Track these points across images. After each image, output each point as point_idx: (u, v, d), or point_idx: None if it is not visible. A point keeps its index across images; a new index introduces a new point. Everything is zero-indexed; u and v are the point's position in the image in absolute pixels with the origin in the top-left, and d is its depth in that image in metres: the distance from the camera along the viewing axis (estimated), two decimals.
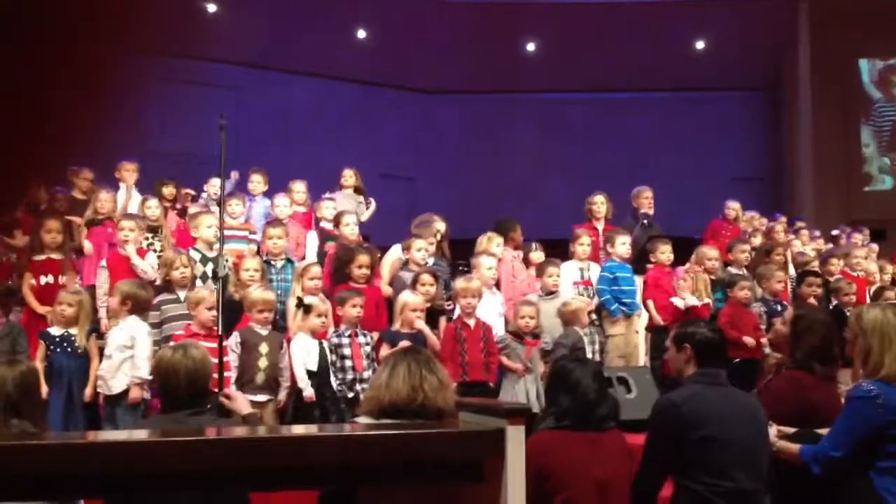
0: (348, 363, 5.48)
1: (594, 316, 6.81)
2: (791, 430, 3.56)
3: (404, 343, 5.41)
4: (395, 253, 6.79)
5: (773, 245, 8.08)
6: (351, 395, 5.35)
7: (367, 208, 8.44)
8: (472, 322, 5.85)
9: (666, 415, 3.35)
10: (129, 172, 7.94)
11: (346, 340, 5.54)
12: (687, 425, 3.27)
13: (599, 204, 7.82)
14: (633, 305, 6.87)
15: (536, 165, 13.92)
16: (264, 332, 5.37)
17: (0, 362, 3.34)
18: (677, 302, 6.79)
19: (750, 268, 7.62)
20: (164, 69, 12.04)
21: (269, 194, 8.28)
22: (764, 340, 6.46)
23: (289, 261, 6.51)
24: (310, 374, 5.34)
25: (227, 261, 5.19)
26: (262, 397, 5.21)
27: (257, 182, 8.25)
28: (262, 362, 5.25)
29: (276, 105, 12.79)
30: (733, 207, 8.97)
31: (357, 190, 8.52)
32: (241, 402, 3.54)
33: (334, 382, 5.42)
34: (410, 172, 13.51)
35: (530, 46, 14.27)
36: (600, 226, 7.73)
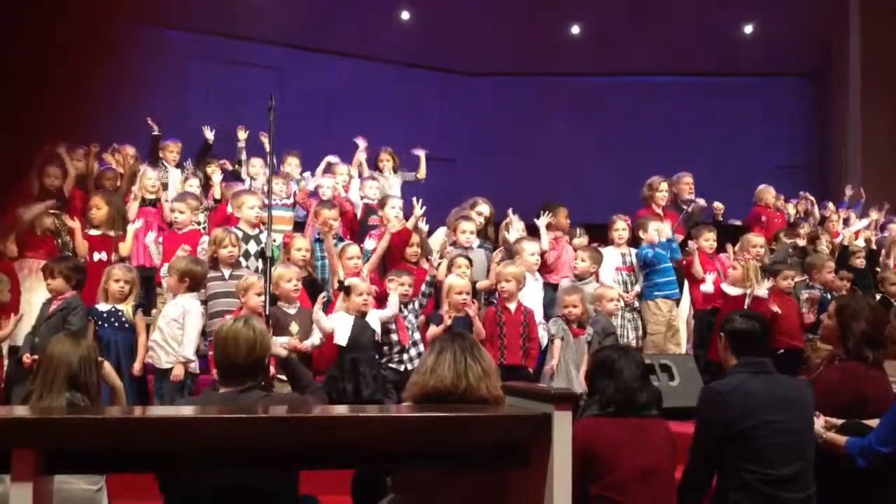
0: (394, 337, 5.59)
1: (636, 303, 6.78)
2: (839, 421, 3.53)
3: (447, 319, 5.48)
4: (440, 235, 6.82)
5: (819, 233, 7.97)
6: (402, 367, 5.47)
7: (418, 169, 8.57)
8: (512, 306, 5.84)
9: (710, 404, 3.36)
10: (171, 153, 8.00)
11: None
12: (731, 415, 3.27)
13: (665, 190, 7.76)
14: (672, 291, 6.84)
15: (577, 149, 13.82)
16: (293, 310, 5.42)
17: (65, 336, 3.46)
18: (727, 289, 6.74)
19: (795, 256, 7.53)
20: (207, 48, 12.15)
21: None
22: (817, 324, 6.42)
23: (340, 239, 6.59)
24: (339, 348, 5.34)
25: (274, 241, 5.24)
26: None
27: (293, 164, 8.27)
28: (294, 342, 5.28)
29: (317, 86, 12.82)
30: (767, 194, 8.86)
31: (396, 169, 8.54)
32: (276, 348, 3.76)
33: (391, 356, 5.54)
34: (451, 154, 13.48)
35: (573, 29, 14.14)
36: (660, 211, 7.66)
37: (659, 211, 7.61)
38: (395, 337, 5.58)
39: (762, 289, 6.54)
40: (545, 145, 13.86)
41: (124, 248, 6.32)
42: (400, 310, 5.66)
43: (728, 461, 3.28)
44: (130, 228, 6.44)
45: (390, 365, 5.56)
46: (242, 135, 8.29)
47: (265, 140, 7.68)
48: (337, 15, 12.45)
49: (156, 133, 7.88)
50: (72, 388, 3.19)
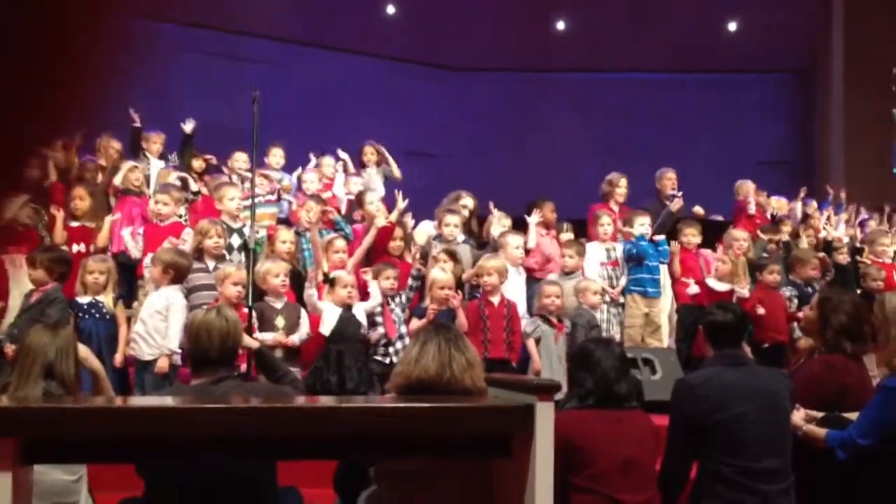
0: (381, 329, 5.60)
1: (621, 298, 6.79)
2: (819, 413, 3.54)
3: (430, 313, 5.47)
4: (425, 229, 6.82)
5: (801, 230, 8.03)
6: (387, 360, 5.45)
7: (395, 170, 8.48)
8: (495, 300, 5.83)
9: (682, 396, 3.39)
10: (154, 144, 7.91)
11: (378, 309, 5.64)
12: (702, 407, 3.28)
13: (624, 186, 7.77)
14: (652, 290, 6.86)
15: (568, 145, 13.82)
16: (279, 304, 5.39)
17: (44, 326, 3.43)
18: (713, 284, 6.75)
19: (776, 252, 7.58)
20: (196, 41, 12.08)
21: (294, 168, 8.28)
22: (796, 324, 6.47)
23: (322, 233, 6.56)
24: (324, 339, 5.34)
25: (257, 233, 5.19)
26: None
27: (277, 156, 8.22)
28: (280, 337, 5.26)
29: (307, 80, 12.76)
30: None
31: (380, 164, 8.50)
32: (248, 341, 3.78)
33: (377, 349, 5.55)
34: (441, 150, 13.47)
35: (563, 25, 14.15)
36: (616, 208, 7.67)
37: (615, 208, 7.62)
38: (381, 330, 5.58)
39: (743, 289, 6.57)
40: (539, 141, 13.83)
41: (101, 238, 6.27)
42: (387, 302, 5.65)
43: (705, 453, 3.29)
44: (107, 220, 6.38)
45: (376, 357, 5.56)
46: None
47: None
48: (329, 10, 12.42)
49: (137, 125, 7.80)
50: (48, 378, 3.17)
